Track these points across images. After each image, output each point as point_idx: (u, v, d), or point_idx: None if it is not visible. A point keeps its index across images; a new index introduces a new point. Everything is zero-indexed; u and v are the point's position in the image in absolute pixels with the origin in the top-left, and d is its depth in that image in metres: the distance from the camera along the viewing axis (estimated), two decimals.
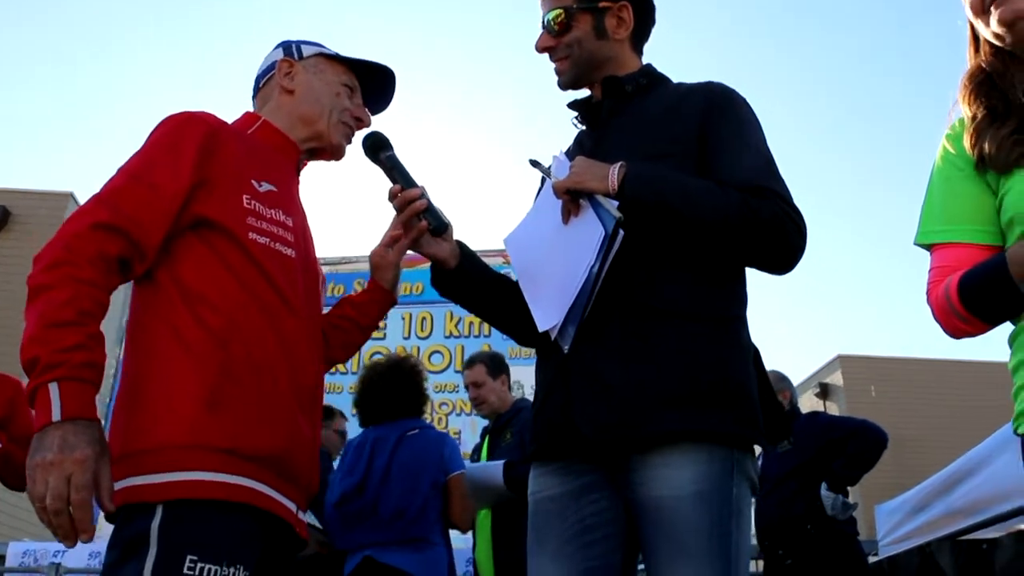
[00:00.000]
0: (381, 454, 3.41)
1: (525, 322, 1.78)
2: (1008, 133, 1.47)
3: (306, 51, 1.92)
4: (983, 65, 1.55)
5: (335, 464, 3.67)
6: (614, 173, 1.64)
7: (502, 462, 3.70)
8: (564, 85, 1.94)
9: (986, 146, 1.49)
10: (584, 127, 1.97)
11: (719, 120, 1.76)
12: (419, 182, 1.85)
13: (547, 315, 1.71)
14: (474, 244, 1.98)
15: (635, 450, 1.61)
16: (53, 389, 1.35)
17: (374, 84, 1.99)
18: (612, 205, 1.61)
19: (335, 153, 1.92)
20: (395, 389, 3.60)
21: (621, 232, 1.58)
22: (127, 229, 1.51)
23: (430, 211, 1.81)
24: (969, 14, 1.55)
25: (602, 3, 1.87)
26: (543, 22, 1.90)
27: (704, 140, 1.74)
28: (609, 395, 1.62)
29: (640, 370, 1.62)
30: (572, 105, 1.97)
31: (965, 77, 1.58)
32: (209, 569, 1.42)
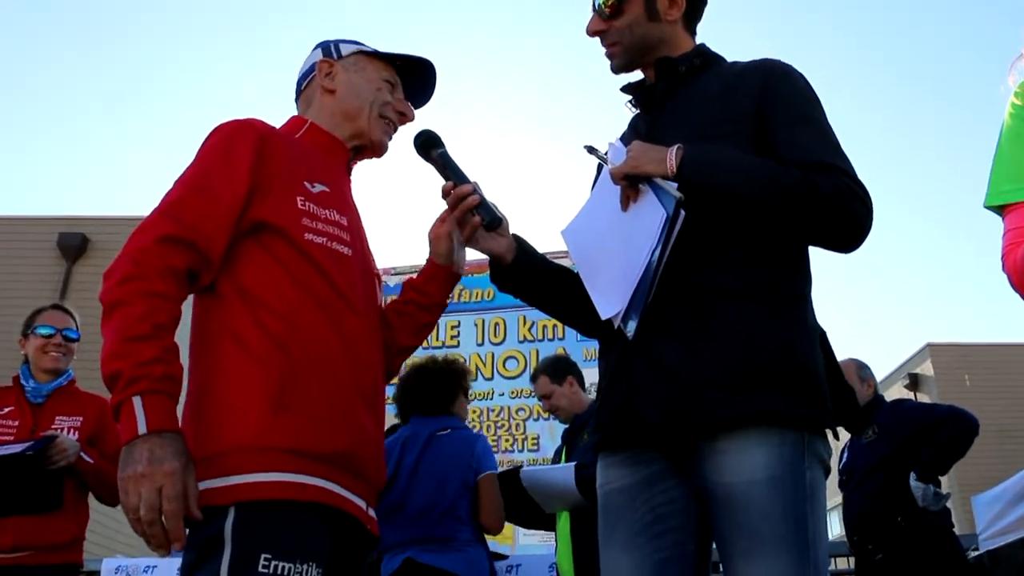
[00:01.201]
0: (411, 452, 3.43)
1: (587, 312, 1.76)
2: None
3: (345, 50, 1.94)
4: None
5: None
6: (672, 155, 1.62)
7: (572, 464, 3.69)
8: (616, 69, 1.92)
9: None
10: (638, 110, 1.94)
11: (777, 97, 1.72)
12: (471, 178, 1.84)
13: (609, 303, 1.69)
14: (540, 246, 1.97)
15: (702, 436, 1.58)
16: (137, 403, 1.40)
17: (415, 79, 2.00)
18: (672, 187, 1.59)
19: (376, 150, 1.93)
20: (423, 386, 3.64)
21: (683, 213, 1.56)
22: (192, 240, 1.54)
23: (483, 206, 1.80)
24: None
25: None
26: (593, 4, 1.88)
27: (762, 118, 1.71)
28: (672, 381, 1.60)
29: (702, 354, 1.60)
30: (625, 89, 1.95)
31: None
32: (283, 567, 1.44)
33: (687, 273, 1.64)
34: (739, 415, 1.56)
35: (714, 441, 1.58)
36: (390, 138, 1.94)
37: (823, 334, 1.74)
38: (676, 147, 1.63)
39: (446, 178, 1.85)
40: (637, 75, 1.94)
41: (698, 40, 1.93)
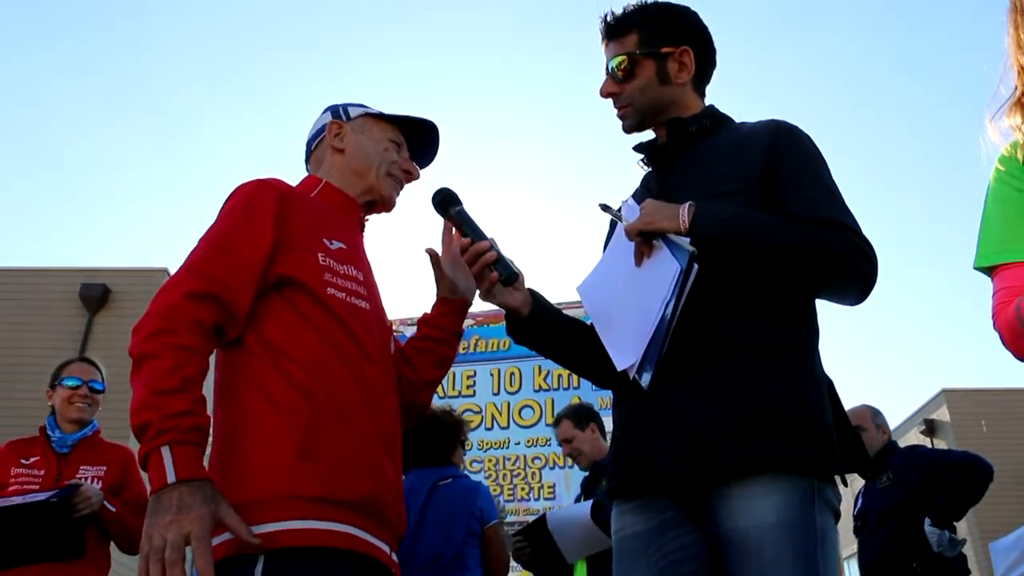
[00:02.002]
0: (414, 504, 3.44)
1: (602, 364, 1.81)
2: None
3: (353, 112, 2.02)
4: None
5: None
6: (684, 212, 1.68)
7: (590, 501, 3.72)
8: (628, 129, 1.98)
9: None
10: (650, 169, 2.01)
11: (785, 156, 1.78)
12: (488, 234, 1.90)
13: (625, 354, 1.73)
14: (553, 297, 2.02)
15: (714, 483, 1.62)
16: (166, 453, 1.42)
17: (420, 140, 2.08)
18: (685, 242, 1.64)
19: (386, 204, 2.00)
20: (423, 437, 3.66)
21: (696, 266, 1.61)
22: (219, 296, 1.59)
23: (500, 262, 1.86)
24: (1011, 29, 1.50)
25: (664, 49, 1.91)
26: (607, 68, 1.95)
27: (770, 177, 1.77)
28: (685, 429, 1.65)
29: (714, 403, 1.64)
30: (638, 148, 2.01)
31: (1019, 95, 1.52)
32: None
33: (700, 325, 1.69)
34: (750, 462, 1.60)
35: (726, 488, 1.61)
36: (398, 194, 2.01)
37: (830, 383, 1.78)
38: (688, 204, 1.69)
39: (463, 235, 1.91)
40: (648, 135, 2.01)
41: (707, 102, 2.00)
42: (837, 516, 1.68)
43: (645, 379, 1.68)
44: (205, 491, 1.43)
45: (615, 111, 1.98)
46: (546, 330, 1.95)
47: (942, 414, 17.56)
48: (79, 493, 3.19)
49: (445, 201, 1.96)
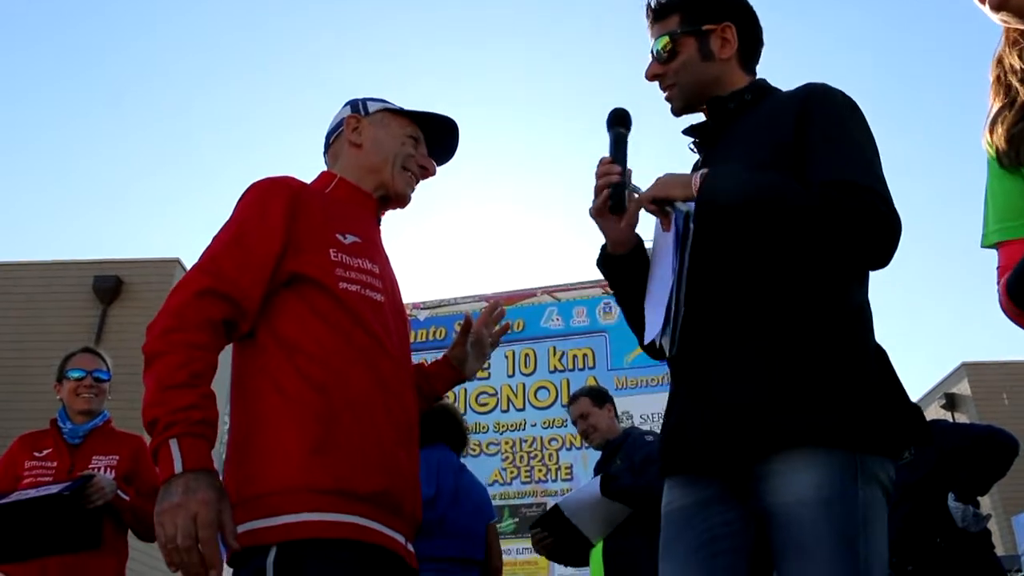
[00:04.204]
0: (447, 474, 3.54)
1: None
2: (1009, 126, 1.40)
3: (371, 107, 2.03)
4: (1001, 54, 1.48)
5: None
6: (697, 178, 1.68)
7: (596, 479, 3.73)
8: (677, 111, 1.98)
9: (995, 140, 1.44)
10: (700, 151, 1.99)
11: (813, 119, 1.73)
12: (629, 166, 1.87)
13: (652, 325, 1.76)
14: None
15: (754, 459, 1.61)
16: (173, 445, 1.46)
17: (439, 136, 2.09)
18: (688, 206, 1.65)
19: (400, 200, 2.01)
20: (443, 418, 3.77)
21: (692, 226, 1.62)
22: (229, 293, 1.62)
23: (617, 187, 1.83)
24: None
25: (705, 26, 1.91)
26: (652, 51, 1.95)
27: (800, 144, 1.72)
28: (721, 405, 1.64)
29: (750, 377, 1.63)
30: (687, 131, 1.99)
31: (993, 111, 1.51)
32: None
33: (734, 298, 1.69)
34: (786, 433, 1.57)
35: (767, 464, 1.59)
36: (412, 189, 2.03)
37: (880, 351, 1.72)
38: (702, 171, 1.69)
39: (609, 151, 1.88)
40: (698, 117, 1.98)
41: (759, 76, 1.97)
42: (887, 491, 1.62)
43: (666, 344, 1.70)
44: (211, 478, 1.47)
45: (663, 94, 1.97)
46: (627, 275, 1.94)
47: (963, 388, 17.47)
48: (91, 484, 3.20)
49: (617, 118, 1.91)
